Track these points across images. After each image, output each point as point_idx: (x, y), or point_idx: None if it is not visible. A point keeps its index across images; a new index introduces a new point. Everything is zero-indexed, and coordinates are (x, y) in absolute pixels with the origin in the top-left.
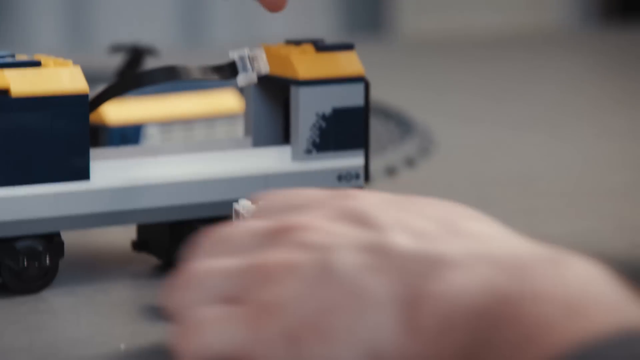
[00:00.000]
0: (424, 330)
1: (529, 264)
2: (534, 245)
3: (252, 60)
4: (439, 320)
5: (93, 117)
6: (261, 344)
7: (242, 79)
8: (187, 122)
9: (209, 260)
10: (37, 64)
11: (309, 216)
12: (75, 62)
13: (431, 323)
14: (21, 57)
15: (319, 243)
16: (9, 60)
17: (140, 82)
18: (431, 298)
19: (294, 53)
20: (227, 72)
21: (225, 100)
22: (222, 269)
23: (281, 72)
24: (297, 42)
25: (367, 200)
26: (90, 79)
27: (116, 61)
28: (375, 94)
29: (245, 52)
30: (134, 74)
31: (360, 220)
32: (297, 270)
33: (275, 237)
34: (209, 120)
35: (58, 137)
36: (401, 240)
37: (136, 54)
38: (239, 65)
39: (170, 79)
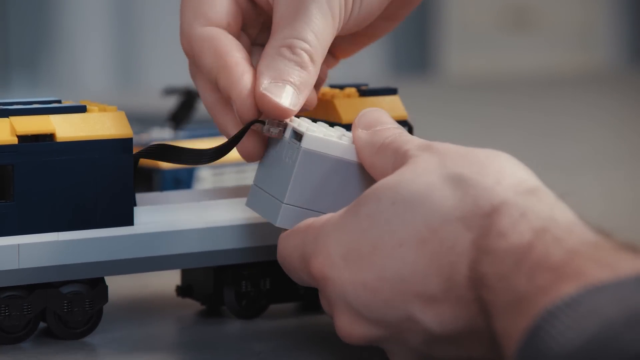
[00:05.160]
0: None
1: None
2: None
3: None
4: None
5: (146, 160)
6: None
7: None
8: (238, 165)
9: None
10: (82, 109)
11: None
12: (127, 105)
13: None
14: (67, 102)
15: None
16: (55, 105)
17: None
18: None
19: (338, 97)
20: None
21: None
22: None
23: (325, 115)
24: (341, 87)
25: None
26: (143, 121)
27: (169, 104)
28: (421, 134)
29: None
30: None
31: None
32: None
33: None
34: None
35: (102, 181)
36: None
37: (189, 97)
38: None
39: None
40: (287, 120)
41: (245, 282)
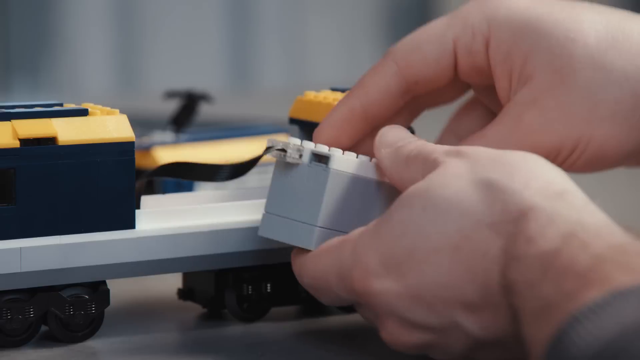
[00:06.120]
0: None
1: None
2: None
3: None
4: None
5: (147, 163)
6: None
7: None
8: None
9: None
10: (84, 112)
11: None
12: (128, 108)
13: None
14: (69, 106)
15: None
16: (57, 109)
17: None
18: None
19: (338, 100)
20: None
21: None
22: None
23: None
24: (342, 90)
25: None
26: (144, 125)
27: (170, 107)
28: (422, 137)
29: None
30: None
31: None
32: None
33: None
34: (262, 166)
35: (104, 185)
36: None
37: (191, 100)
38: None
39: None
40: (299, 144)
41: (247, 285)
